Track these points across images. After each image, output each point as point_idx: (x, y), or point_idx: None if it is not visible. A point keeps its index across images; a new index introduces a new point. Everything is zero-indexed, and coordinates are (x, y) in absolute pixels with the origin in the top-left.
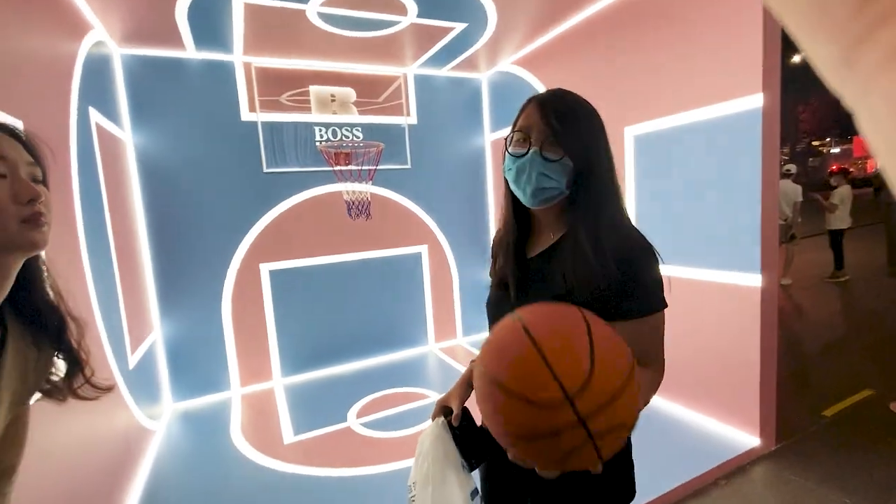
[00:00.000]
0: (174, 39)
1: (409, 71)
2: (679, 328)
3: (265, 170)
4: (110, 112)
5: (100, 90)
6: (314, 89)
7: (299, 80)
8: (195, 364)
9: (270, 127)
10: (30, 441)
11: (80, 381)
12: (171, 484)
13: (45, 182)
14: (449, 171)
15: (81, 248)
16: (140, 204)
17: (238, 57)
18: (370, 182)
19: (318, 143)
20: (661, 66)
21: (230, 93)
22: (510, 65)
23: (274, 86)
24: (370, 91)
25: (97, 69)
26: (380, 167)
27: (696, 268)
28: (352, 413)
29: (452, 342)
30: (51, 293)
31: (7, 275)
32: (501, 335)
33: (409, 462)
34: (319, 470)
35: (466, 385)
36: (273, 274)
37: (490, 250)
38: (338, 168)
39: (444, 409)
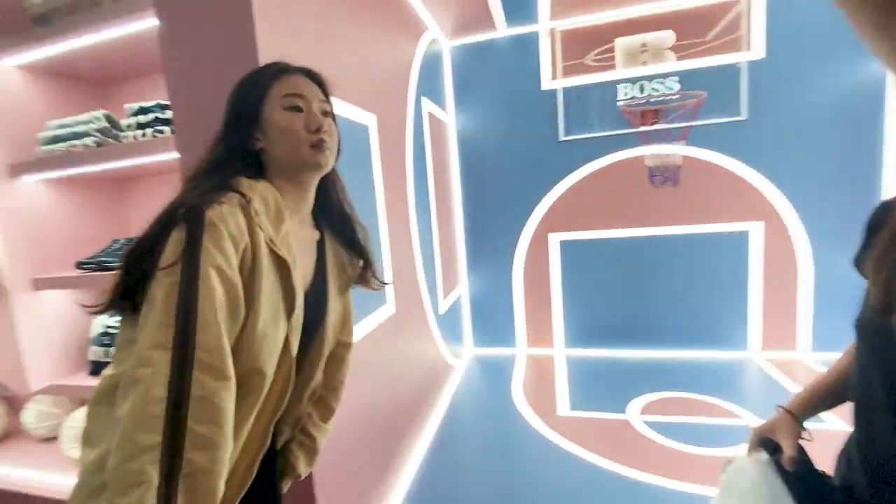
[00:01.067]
0: (488, 22)
1: None
2: None
3: (561, 138)
4: (438, 99)
5: (431, 81)
6: (620, 42)
7: (606, 35)
8: (491, 318)
9: (569, 92)
10: (376, 351)
11: (369, 275)
12: (460, 417)
13: (331, 114)
14: (810, 119)
15: (411, 216)
16: (457, 177)
17: (544, 25)
18: (683, 142)
19: (619, 103)
20: None
21: (532, 64)
22: None
23: (578, 48)
24: (694, 30)
25: (430, 64)
26: (698, 122)
27: None
28: (633, 406)
29: (789, 353)
30: (345, 206)
31: (308, 189)
32: None
33: (702, 489)
34: (590, 455)
35: (802, 413)
36: (563, 244)
37: (867, 229)
38: (643, 129)
39: (765, 443)
